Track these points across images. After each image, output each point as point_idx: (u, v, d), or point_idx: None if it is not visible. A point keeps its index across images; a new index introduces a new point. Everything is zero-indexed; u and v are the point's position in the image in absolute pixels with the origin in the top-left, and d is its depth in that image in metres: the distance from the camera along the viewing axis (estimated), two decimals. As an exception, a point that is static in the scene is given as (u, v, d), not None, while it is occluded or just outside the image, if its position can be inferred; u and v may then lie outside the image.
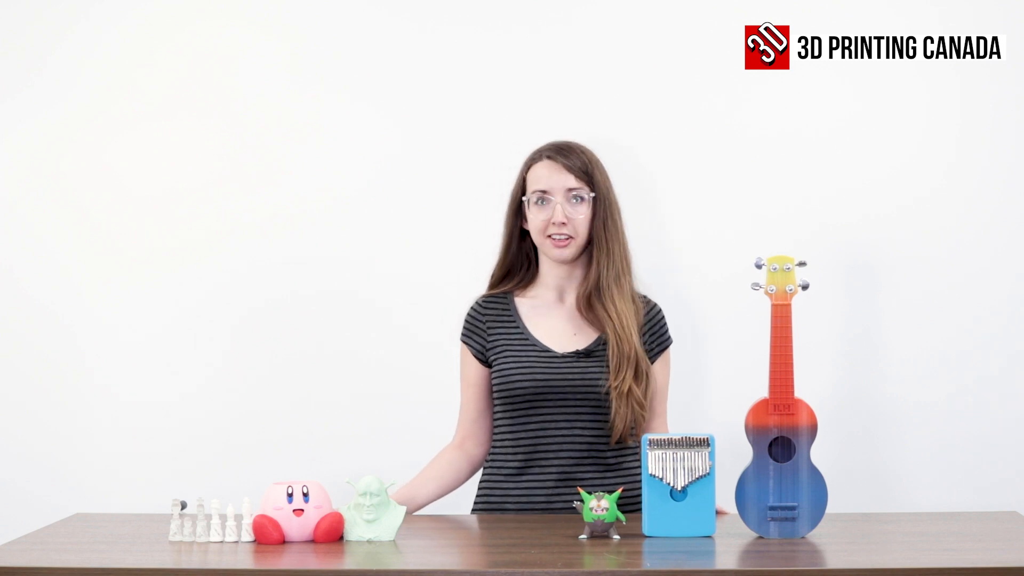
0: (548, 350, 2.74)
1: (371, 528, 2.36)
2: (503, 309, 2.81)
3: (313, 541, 2.35)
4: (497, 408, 2.78)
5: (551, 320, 2.79)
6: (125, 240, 3.39)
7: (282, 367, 3.37)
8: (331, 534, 2.35)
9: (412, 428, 3.28)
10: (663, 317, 2.82)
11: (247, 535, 2.36)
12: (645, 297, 2.83)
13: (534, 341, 2.76)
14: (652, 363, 2.78)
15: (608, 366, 2.71)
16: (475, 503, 2.81)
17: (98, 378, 3.39)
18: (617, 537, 2.34)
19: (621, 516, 2.36)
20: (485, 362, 2.79)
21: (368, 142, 3.36)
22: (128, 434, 3.39)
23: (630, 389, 2.68)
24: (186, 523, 2.36)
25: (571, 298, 2.80)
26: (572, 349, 2.74)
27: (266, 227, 3.37)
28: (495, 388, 2.76)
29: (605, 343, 2.73)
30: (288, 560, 2.23)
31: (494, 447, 2.80)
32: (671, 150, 3.31)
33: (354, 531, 2.37)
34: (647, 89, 3.31)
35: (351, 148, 3.36)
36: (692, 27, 3.30)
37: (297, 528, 2.35)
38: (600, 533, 2.35)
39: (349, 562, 2.23)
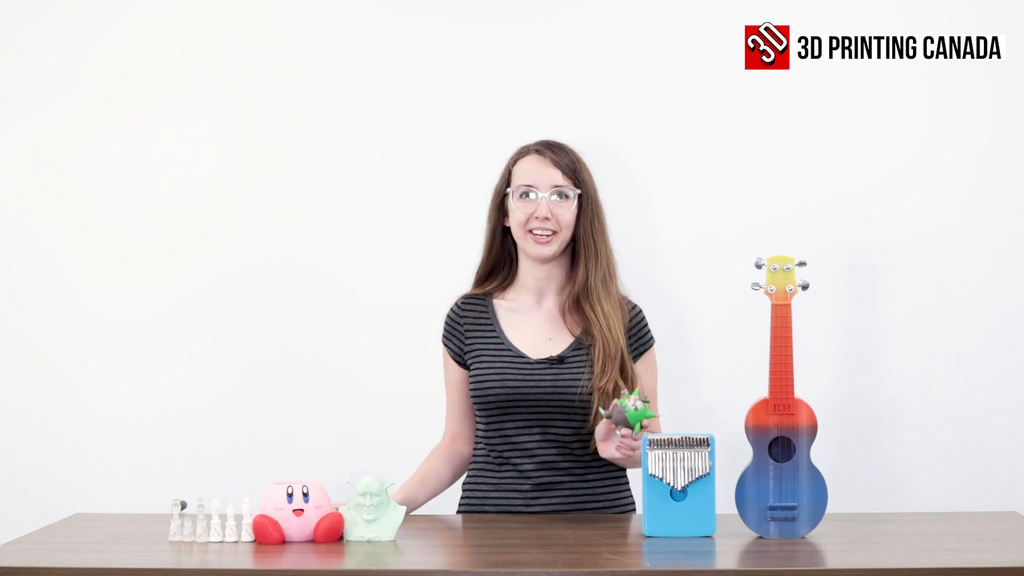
0: (522, 356, 2.72)
1: (371, 528, 2.36)
2: (481, 311, 2.80)
3: (313, 541, 2.35)
4: (475, 411, 2.78)
5: (527, 324, 2.76)
6: (125, 240, 3.39)
7: (282, 367, 3.37)
8: (331, 534, 2.35)
9: (412, 428, 3.28)
10: (644, 319, 2.78)
11: (247, 535, 2.36)
12: (627, 299, 2.79)
13: (509, 346, 2.74)
14: (634, 364, 2.75)
15: (590, 369, 2.68)
16: (459, 504, 2.81)
17: (98, 378, 3.40)
18: (620, 433, 2.41)
19: (638, 428, 2.40)
20: (463, 364, 2.78)
21: (365, 142, 3.36)
22: (128, 434, 3.39)
23: (616, 389, 2.65)
24: (186, 523, 2.36)
25: (550, 301, 2.77)
26: (546, 355, 2.72)
27: (267, 226, 3.37)
28: (471, 392, 2.75)
29: (580, 348, 2.71)
30: (288, 560, 2.23)
31: (475, 449, 2.80)
32: (671, 151, 3.31)
33: (354, 531, 2.37)
34: (647, 89, 3.31)
35: (349, 148, 3.36)
36: (692, 27, 3.30)
37: (297, 528, 2.35)
38: (619, 422, 2.40)
39: (349, 562, 2.23)
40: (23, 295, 3.41)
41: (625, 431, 2.42)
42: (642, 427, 2.41)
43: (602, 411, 2.48)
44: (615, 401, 2.44)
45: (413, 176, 3.36)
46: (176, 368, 3.39)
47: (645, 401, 2.40)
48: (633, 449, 2.46)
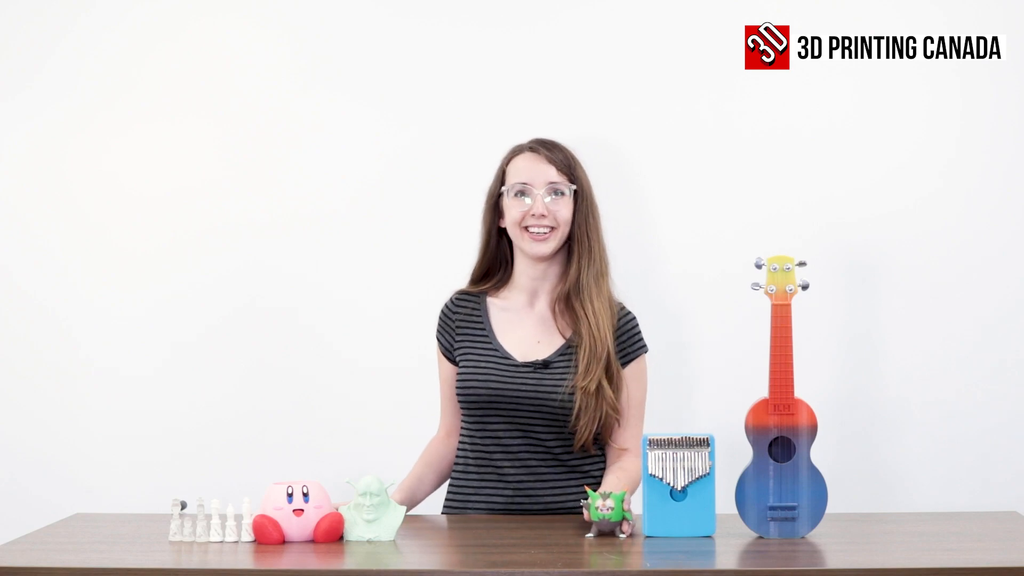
0: (508, 357, 2.71)
1: (371, 528, 2.36)
2: (473, 309, 2.79)
3: (313, 541, 2.35)
4: (460, 409, 2.77)
5: (518, 326, 2.75)
6: (125, 240, 3.39)
7: (282, 367, 3.37)
8: (331, 534, 2.35)
9: (413, 428, 3.27)
10: (635, 325, 2.75)
11: (247, 535, 2.36)
12: (620, 304, 2.77)
13: (496, 346, 2.73)
14: (622, 369, 2.72)
15: (574, 370, 2.66)
16: (444, 505, 2.80)
17: (98, 378, 3.40)
18: (623, 535, 2.35)
19: (627, 515, 2.36)
20: (454, 361, 2.78)
21: (365, 142, 3.36)
22: (128, 434, 3.39)
23: (600, 389, 2.64)
24: (186, 523, 2.36)
25: (542, 301, 2.76)
26: (531, 359, 2.70)
27: (267, 226, 3.37)
28: (455, 390, 2.74)
29: (568, 351, 2.69)
30: (288, 560, 2.23)
31: (459, 450, 2.78)
32: (671, 151, 3.31)
33: (354, 531, 2.37)
34: (647, 89, 3.31)
35: (349, 148, 3.36)
36: (692, 27, 3.30)
37: (297, 528, 2.35)
38: (607, 532, 2.35)
39: (349, 562, 2.23)
40: (23, 295, 3.41)
41: (622, 527, 2.38)
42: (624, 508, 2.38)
43: (590, 535, 2.39)
44: (587, 518, 2.38)
45: (413, 176, 3.36)
46: (176, 368, 3.39)
47: (604, 494, 2.36)
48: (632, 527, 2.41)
